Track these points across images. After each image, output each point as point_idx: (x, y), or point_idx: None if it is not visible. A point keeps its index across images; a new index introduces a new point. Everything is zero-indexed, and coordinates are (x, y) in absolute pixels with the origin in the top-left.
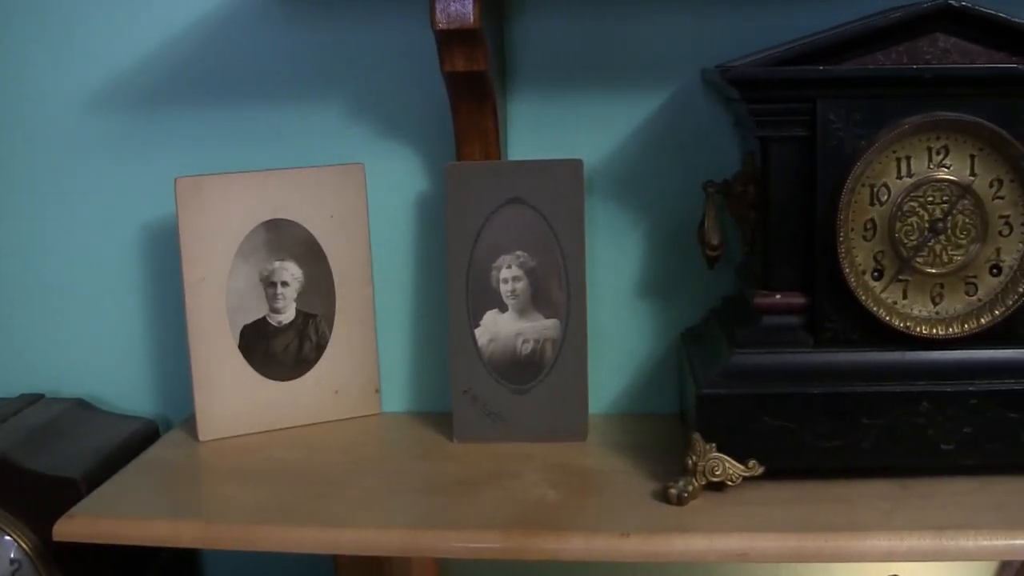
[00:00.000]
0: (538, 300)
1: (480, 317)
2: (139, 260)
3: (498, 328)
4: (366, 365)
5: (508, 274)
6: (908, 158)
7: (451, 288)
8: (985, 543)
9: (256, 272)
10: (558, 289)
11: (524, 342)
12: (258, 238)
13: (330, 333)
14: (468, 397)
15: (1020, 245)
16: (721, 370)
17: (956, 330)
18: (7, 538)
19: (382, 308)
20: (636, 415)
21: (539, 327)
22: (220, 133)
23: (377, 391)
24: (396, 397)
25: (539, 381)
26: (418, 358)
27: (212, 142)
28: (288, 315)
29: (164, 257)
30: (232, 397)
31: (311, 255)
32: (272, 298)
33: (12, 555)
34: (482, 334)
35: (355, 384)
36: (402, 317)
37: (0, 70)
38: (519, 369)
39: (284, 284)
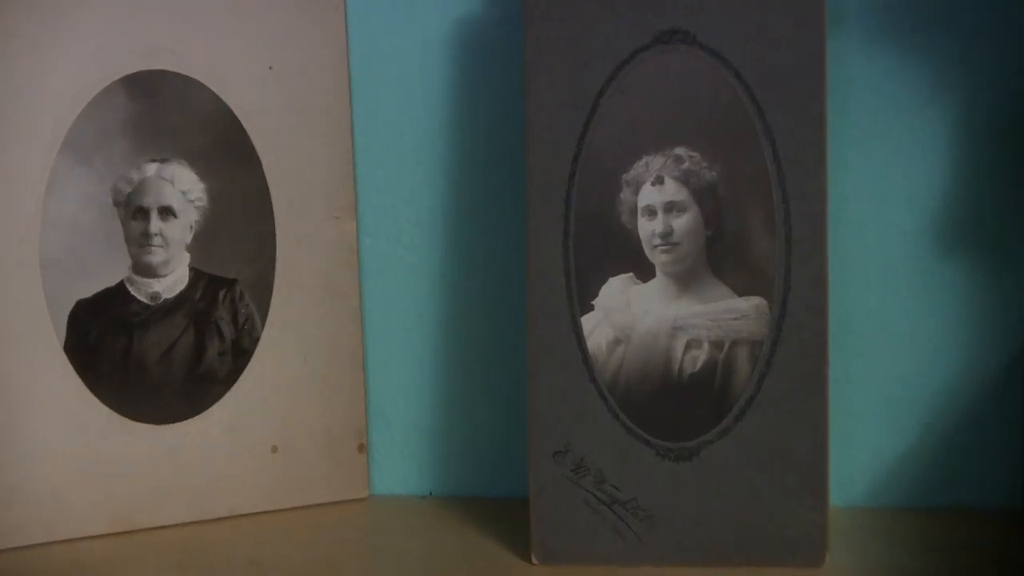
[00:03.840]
0: (720, 254)
1: (594, 290)
2: None
3: (633, 315)
4: (341, 391)
5: (656, 197)
6: None
7: (530, 229)
8: None
9: (105, 185)
10: (764, 232)
11: (690, 347)
12: (111, 112)
13: (263, 321)
14: (565, 465)
15: None
16: None
17: None
18: None
19: (377, 267)
20: (929, 512)
21: (722, 313)
22: None
23: (363, 448)
24: (404, 463)
25: (721, 433)
26: (453, 378)
27: None
28: (173, 279)
29: None
30: (49, 456)
31: (226, 151)
32: (140, 243)
33: None
34: (598, 326)
35: (316, 432)
36: (421, 287)
37: None
38: (678, 405)
39: (166, 213)
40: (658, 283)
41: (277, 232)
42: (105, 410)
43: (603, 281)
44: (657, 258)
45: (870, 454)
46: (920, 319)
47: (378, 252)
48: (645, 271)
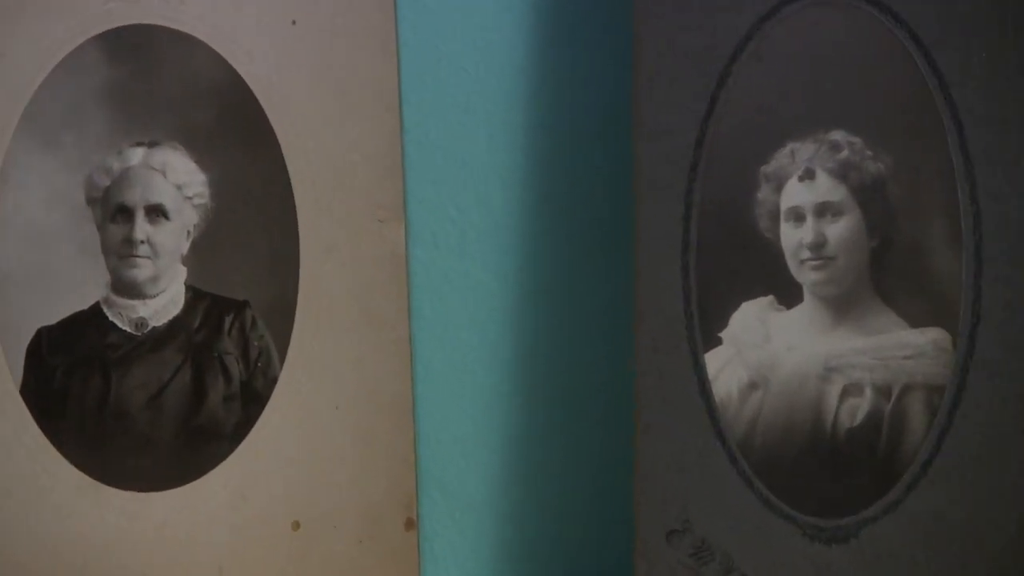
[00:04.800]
0: (889, 272)
1: (723, 318)
2: None
3: (774, 351)
4: (384, 450)
5: (806, 196)
6: None
7: (639, 238)
8: None
9: (77, 176)
10: (947, 244)
11: (848, 393)
12: (84, 79)
13: (282, 357)
14: (683, 549)
15: None
16: None
17: None
18: None
19: (432, 287)
20: None
21: (891, 349)
22: None
23: (411, 524)
24: (464, 544)
25: (888, 508)
26: (530, 434)
27: None
28: (164, 301)
29: None
30: (8, 529)
31: (235, 132)
32: (121, 252)
33: None
34: (727, 366)
35: (351, 504)
36: (490, 314)
37: None
38: (831, 470)
39: (155, 214)
40: (807, 309)
41: (301, 239)
42: (74, 473)
43: (734, 306)
44: (806, 276)
45: None
46: None
47: (434, 267)
48: (790, 294)
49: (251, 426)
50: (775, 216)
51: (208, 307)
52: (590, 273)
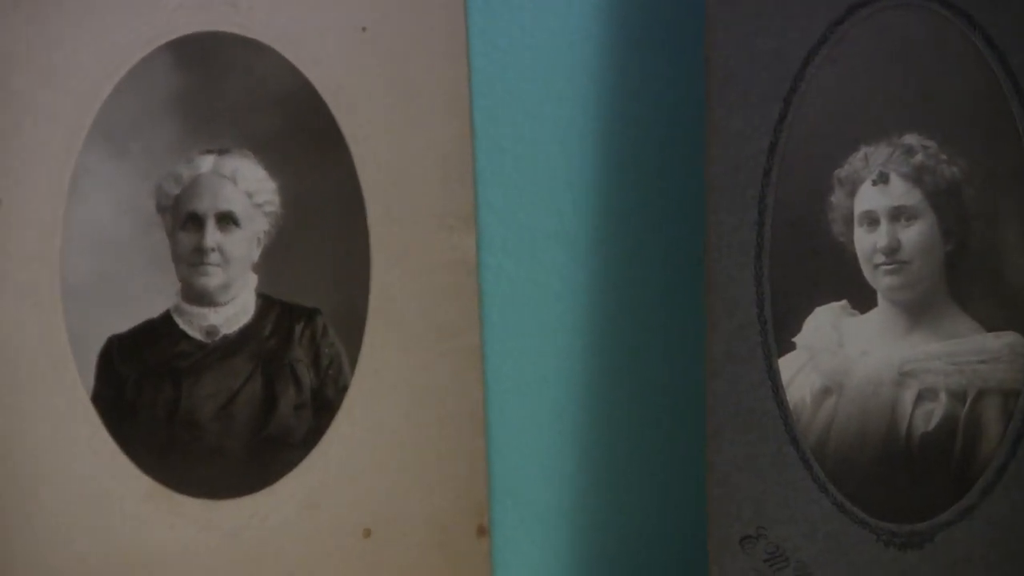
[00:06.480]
0: (964, 276)
1: (796, 323)
2: None
3: (847, 356)
4: (455, 457)
5: (879, 200)
6: None
7: (711, 244)
8: None
9: (146, 185)
10: (1020, 248)
11: (922, 398)
12: (154, 88)
13: (353, 365)
14: (756, 556)
15: None
16: None
17: None
18: None
19: (503, 295)
20: None
21: (966, 353)
22: None
23: (483, 532)
24: (536, 552)
25: (963, 513)
26: (602, 442)
27: None
28: (235, 309)
29: None
30: (72, 541)
31: (305, 139)
32: (191, 260)
33: None
34: (801, 371)
35: (422, 512)
36: (562, 322)
37: None
38: (906, 475)
39: (226, 222)
40: (881, 314)
41: (372, 247)
42: (145, 481)
43: (808, 311)
44: (880, 281)
45: None
46: None
47: (504, 274)
48: (864, 298)
49: (322, 434)
50: (848, 220)
51: (279, 315)
52: (662, 278)
